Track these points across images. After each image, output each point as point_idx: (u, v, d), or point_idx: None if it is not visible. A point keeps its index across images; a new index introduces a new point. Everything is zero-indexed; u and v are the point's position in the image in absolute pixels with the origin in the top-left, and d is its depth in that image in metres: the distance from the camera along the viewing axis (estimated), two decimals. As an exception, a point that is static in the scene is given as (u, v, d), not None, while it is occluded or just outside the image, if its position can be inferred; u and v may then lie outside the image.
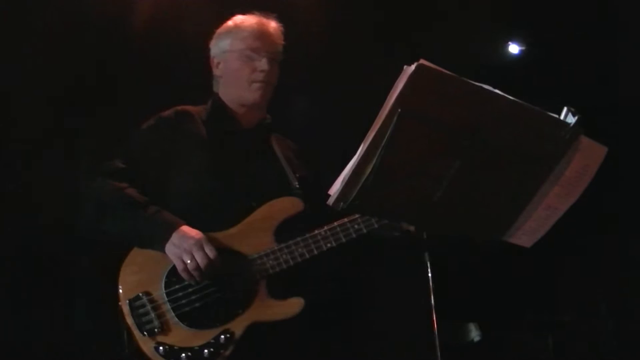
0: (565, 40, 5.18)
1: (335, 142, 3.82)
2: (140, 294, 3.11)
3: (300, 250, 3.22)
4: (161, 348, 3.04)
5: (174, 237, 3.11)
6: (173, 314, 3.09)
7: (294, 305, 3.18)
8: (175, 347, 3.05)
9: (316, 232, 3.24)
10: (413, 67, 2.30)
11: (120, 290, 3.13)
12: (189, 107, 3.52)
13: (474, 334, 4.83)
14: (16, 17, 4.48)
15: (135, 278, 3.15)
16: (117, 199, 3.20)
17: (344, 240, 3.24)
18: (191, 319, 3.10)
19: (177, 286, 3.12)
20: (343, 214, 3.16)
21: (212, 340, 3.07)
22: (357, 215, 3.22)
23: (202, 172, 3.33)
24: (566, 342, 5.15)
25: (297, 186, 3.42)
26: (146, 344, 3.05)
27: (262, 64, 3.47)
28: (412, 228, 3.21)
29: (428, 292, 2.67)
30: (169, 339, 3.06)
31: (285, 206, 3.32)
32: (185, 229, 3.13)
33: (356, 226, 3.24)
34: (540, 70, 5.10)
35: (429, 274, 2.65)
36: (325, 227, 3.24)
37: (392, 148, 2.37)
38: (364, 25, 5.17)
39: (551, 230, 2.73)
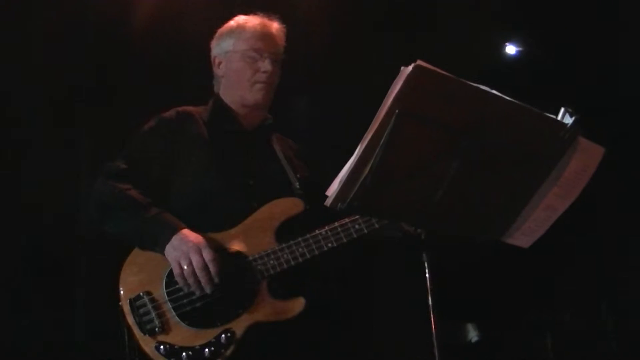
0: (563, 40, 5.17)
1: (336, 142, 3.81)
2: (141, 294, 3.12)
3: (301, 250, 3.22)
4: (162, 347, 3.04)
5: (174, 240, 3.11)
6: (174, 313, 3.10)
7: (295, 305, 3.18)
8: (176, 347, 3.05)
9: (317, 232, 3.24)
10: (410, 68, 2.31)
11: (121, 290, 3.14)
12: (190, 108, 3.53)
13: (472, 335, 4.83)
14: (16, 17, 4.47)
15: (136, 278, 3.16)
16: (119, 200, 3.21)
17: (344, 240, 3.24)
18: (192, 319, 3.10)
19: (178, 285, 3.13)
20: (344, 215, 3.17)
21: (213, 340, 3.08)
22: (357, 216, 3.22)
23: (203, 172, 3.34)
24: (565, 342, 5.14)
25: (298, 186, 3.43)
26: (147, 343, 3.06)
27: (265, 65, 3.48)
28: (410, 228, 3.21)
29: (426, 292, 2.66)
30: (169, 338, 3.07)
31: (287, 206, 3.33)
32: (186, 232, 3.14)
33: (357, 226, 3.24)
34: (538, 71, 5.09)
35: (427, 274, 2.64)
36: (326, 227, 3.24)
37: (390, 148, 2.38)
38: (364, 25, 5.17)
39: (551, 229, 2.74)
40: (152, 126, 3.45)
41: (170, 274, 3.13)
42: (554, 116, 2.51)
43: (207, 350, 3.05)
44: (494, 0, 5.19)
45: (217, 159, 3.38)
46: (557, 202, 2.64)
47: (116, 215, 3.22)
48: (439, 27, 5.17)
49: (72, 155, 4.57)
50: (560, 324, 5.19)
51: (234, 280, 3.15)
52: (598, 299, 5.20)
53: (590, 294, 5.27)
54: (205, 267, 3.06)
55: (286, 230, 3.28)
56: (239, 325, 3.11)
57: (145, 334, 3.07)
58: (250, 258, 3.20)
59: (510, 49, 4.79)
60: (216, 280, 3.09)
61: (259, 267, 3.19)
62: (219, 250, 3.15)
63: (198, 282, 3.07)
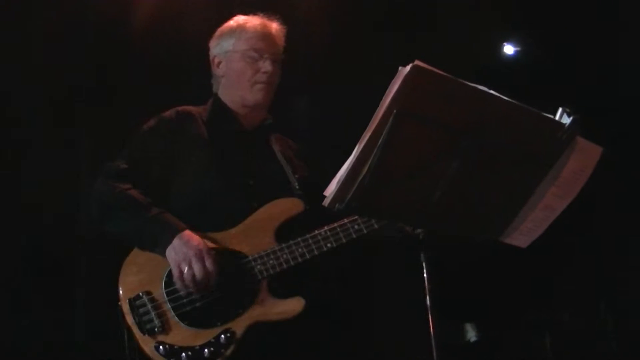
0: (562, 40, 5.17)
1: (336, 142, 3.81)
2: (141, 294, 3.12)
3: (300, 250, 3.22)
4: (161, 347, 3.04)
5: (176, 242, 3.11)
6: (173, 313, 3.10)
7: (294, 305, 3.18)
8: (176, 347, 3.05)
9: (316, 232, 3.24)
10: (408, 68, 2.31)
11: (120, 290, 3.14)
12: (190, 108, 3.53)
13: (471, 335, 4.83)
14: (16, 17, 4.47)
15: (136, 278, 3.16)
16: (119, 200, 3.22)
17: (344, 240, 3.24)
18: (192, 319, 3.10)
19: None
20: (343, 215, 3.18)
21: (213, 340, 3.07)
22: (357, 216, 3.22)
23: (203, 172, 3.34)
24: (564, 342, 5.14)
25: (297, 187, 3.43)
26: (146, 343, 3.05)
27: (266, 65, 3.48)
28: (408, 228, 3.21)
29: (424, 293, 2.66)
30: (169, 339, 3.06)
31: (286, 207, 3.33)
32: (188, 234, 3.14)
33: (356, 226, 3.24)
34: (537, 71, 5.10)
35: (425, 275, 2.65)
36: (326, 228, 3.24)
37: (388, 149, 2.38)
38: (364, 25, 5.17)
39: (550, 229, 2.74)
40: (152, 126, 3.45)
41: (170, 274, 3.13)
42: (552, 116, 2.51)
43: (206, 350, 3.05)
44: (493, 1, 5.19)
45: (217, 159, 3.38)
46: (555, 202, 2.64)
47: (116, 215, 3.22)
48: (438, 27, 5.17)
49: (72, 155, 4.57)
50: (559, 324, 5.19)
51: (233, 280, 3.16)
52: (597, 298, 5.20)
53: (590, 293, 5.27)
54: (206, 275, 3.07)
55: (286, 231, 3.28)
56: (239, 325, 3.11)
57: (144, 334, 3.06)
58: (250, 258, 3.20)
59: (509, 49, 4.80)
60: (214, 289, 3.10)
61: (258, 267, 3.19)
62: (219, 250, 3.15)
63: (197, 287, 3.08)
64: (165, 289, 3.13)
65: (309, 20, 4.94)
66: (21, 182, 4.47)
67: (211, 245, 3.15)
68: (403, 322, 4.63)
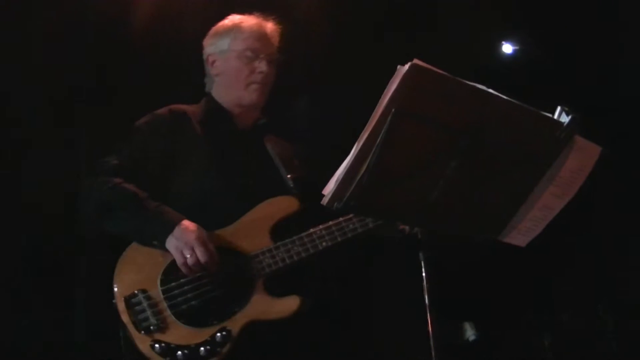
0: (562, 40, 5.17)
1: (336, 142, 3.81)
2: (137, 292, 3.12)
3: (296, 248, 3.23)
4: (157, 346, 3.03)
5: (176, 231, 3.11)
6: (169, 311, 3.10)
7: (290, 304, 3.18)
8: (172, 345, 3.05)
9: (312, 231, 3.25)
10: (407, 67, 2.31)
11: (116, 288, 3.14)
12: (183, 106, 3.53)
13: (470, 334, 4.83)
14: (16, 17, 4.47)
15: (131, 276, 3.16)
16: (115, 194, 3.21)
17: (339, 239, 3.25)
18: (188, 317, 3.11)
19: (173, 284, 3.13)
20: (339, 214, 3.18)
21: (209, 339, 3.07)
22: (352, 215, 3.23)
23: (197, 171, 3.34)
24: (564, 342, 5.13)
25: (292, 186, 3.43)
26: (142, 342, 3.05)
27: (262, 65, 3.49)
28: (406, 228, 3.22)
29: (422, 292, 2.66)
30: (165, 337, 3.06)
31: (282, 205, 3.34)
32: (187, 223, 3.14)
33: (351, 225, 3.25)
34: (536, 70, 5.09)
35: (423, 274, 2.65)
36: (321, 227, 3.25)
37: (387, 148, 2.38)
38: (364, 25, 5.17)
39: (550, 229, 2.74)
40: (144, 123, 3.45)
41: (166, 272, 3.14)
42: (550, 115, 2.51)
43: (202, 348, 3.05)
44: (493, 0, 5.19)
45: (213, 158, 3.39)
46: (553, 201, 2.64)
47: (114, 210, 3.21)
48: (438, 27, 5.16)
49: (72, 155, 4.56)
50: (559, 324, 5.19)
51: (230, 278, 3.16)
52: (597, 298, 5.19)
53: (589, 293, 5.26)
54: (210, 258, 3.07)
55: (281, 229, 3.28)
56: (235, 324, 3.11)
57: (140, 332, 3.06)
58: (246, 256, 3.21)
59: (507, 48, 4.79)
60: (211, 285, 3.11)
61: (254, 265, 3.20)
62: (215, 248, 3.15)
63: (202, 270, 3.08)
64: (161, 287, 3.13)
65: (309, 20, 4.94)
66: (21, 182, 4.47)
67: None
68: (402, 321, 4.63)
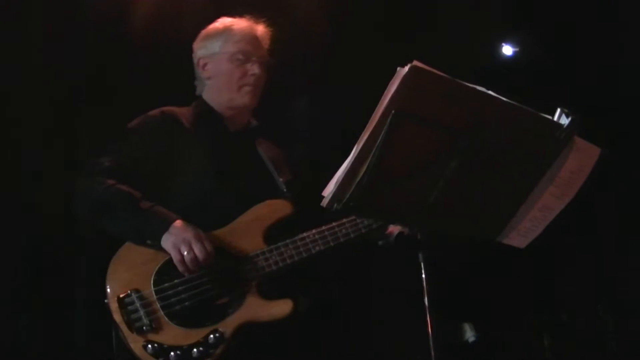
0: (562, 40, 5.17)
1: (336, 143, 3.81)
2: (130, 291, 3.11)
3: (289, 252, 3.24)
4: (150, 346, 3.03)
5: (173, 229, 3.12)
6: (162, 312, 3.09)
7: (283, 307, 3.18)
8: (165, 346, 3.04)
9: (305, 235, 3.26)
10: (406, 68, 2.32)
11: (109, 288, 3.13)
12: (174, 108, 3.54)
13: (469, 335, 4.83)
14: (16, 17, 4.47)
15: (124, 276, 3.15)
16: (110, 194, 3.21)
17: (332, 244, 3.26)
18: (181, 318, 3.10)
19: (166, 284, 3.13)
20: (332, 219, 3.21)
21: (202, 340, 3.07)
22: (344, 220, 3.26)
23: (189, 173, 3.35)
24: (564, 342, 5.14)
25: (285, 190, 3.44)
26: (135, 342, 3.04)
27: (254, 68, 3.51)
28: (405, 229, 3.23)
29: (422, 293, 2.66)
30: (158, 337, 3.05)
31: (275, 209, 3.35)
32: (182, 222, 3.15)
33: (344, 230, 3.27)
34: (536, 71, 5.09)
35: (423, 275, 2.65)
36: (314, 231, 3.26)
37: (387, 149, 2.39)
38: (364, 26, 5.17)
39: (549, 229, 2.74)
40: (137, 124, 3.46)
41: (160, 272, 3.14)
42: (550, 116, 2.51)
43: (195, 350, 3.05)
44: (493, 1, 5.19)
45: (204, 160, 3.39)
46: (553, 202, 2.65)
47: (109, 211, 3.21)
48: (438, 27, 5.16)
49: (72, 155, 4.56)
50: (559, 324, 5.19)
51: (223, 280, 3.16)
52: (597, 299, 5.19)
53: (589, 294, 5.26)
54: (207, 256, 3.08)
55: (274, 232, 3.29)
56: (228, 326, 3.11)
57: (133, 332, 3.05)
58: (240, 259, 3.21)
59: (507, 50, 4.80)
60: (215, 269, 3.11)
61: (248, 267, 3.20)
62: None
63: (199, 268, 3.08)
64: (154, 287, 3.13)
65: (309, 20, 4.94)
66: (21, 182, 4.47)
67: None
68: (401, 322, 4.64)
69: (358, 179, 2.41)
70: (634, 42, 5.05)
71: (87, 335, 4.48)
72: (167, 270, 3.15)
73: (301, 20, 4.85)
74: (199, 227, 3.18)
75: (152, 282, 3.13)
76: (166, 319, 3.09)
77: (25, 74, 4.48)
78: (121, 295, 3.10)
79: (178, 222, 3.13)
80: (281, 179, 3.50)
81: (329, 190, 2.45)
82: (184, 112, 3.54)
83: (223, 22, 3.63)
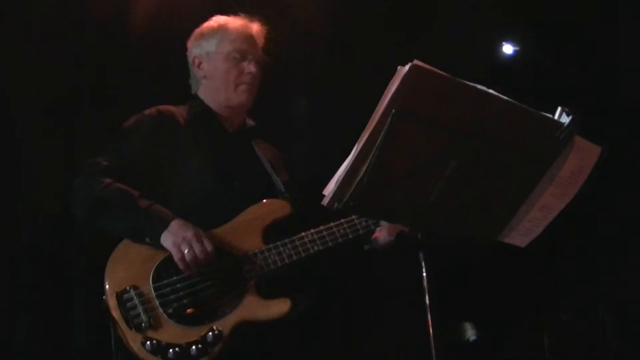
0: (560, 40, 5.17)
1: (335, 142, 3.81)
2: (128, 288, 3.10)
3: (288, 251, 3.24)
4: (148, 343, 3.03)
5: (172, 227, 3.12)
6: (161, 309, 3.09)
7: (281, 307, 3.19)
8: (163, 343, 3.04)
9: (303, 234, 3.26)
10: (407, 67, 2.31)
11: (107, 284, 3.12)
12: (171, 107, 3.54)
13: (470, 334, 4.83)
14: (16, 17, 4.47)
15: (123, 273, 3.15)
16: (108, 193, 3.21)
17: (330, 244, 3.27)
18: (179, 316, 3.10)
19: (165, 281, 3.12)
20: (330, 219, 3.21)
21: (200, 338, 3.07)
22: (343, 220, 3.27)
23: (186, 172, 3.35)
24: (564, 342, 5.14)
25: (283, 189, 3.44)
26: (133, 339, 3.04)
27: (250, 66, 3.51)
28: (405, 229, 3.23)
29: (423, 292, 2.65)
30: (156, 335, 3.05)
31: (274, 208, 3.35)
32: (181, 220, 3.15)
33: (342, 231, 3.28)
34: (535, 70, 5.09)
35: (424, 274, 2.64)
36: (312, 231, 3.27)
37: (387, 149, 2.38)
38: (364, 25, 5.17)
39: (550, 229, 2.74)
40: (133, 123, 3.46)
41: (158, 269, 3.13)
42: (550, 115, 2.51)
43: (194, 347, 3.05)
44: (493, 1, 5.19)
45: (201, 160, 3.38)
46: (553, 201, 2.64)
47: (108, 209, 3.21)
48: (438, 27, 5.16)
49: (72, 155, 4.56)
50: (559, 324, 5.19)
51: (221, 278, 3.16)
52: (598, 299, 5.19)
53: (590, 294, 5.26)
54: (207, 254, 3.08)
55: (273, 232, 3.29)
56: (226, 324, 3.11)
57: (131, 329, 3.05)
58: (238, 257, 3.21)
59: (507, 49, 4.79)
60: (215, 268, 3.11)
61: (246, 266, 3.20)
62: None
63: (199, 266, 3.08)
64: (153, 284, 3.13)
65: (309, 20, 4.94)
66: (21, 182, 4.46)
67: None
68: (402, 321, 4.64)
69: (358, 178, 2.41)
70: (634, 41, 5.05)
71: (87, 335, 4.48)
72: (165, 268, 3.15)
73: (301, 20, 4.85)
74: (197, 226, 3.18)
75: (150, 279, 3.13)
76: (165, 316, 3.09)
77: (25, 74, 4.48)
78: (119, 292, 3.09)
79: (177, 221, 3.13)
80: (279, 179, 3.49)
81: (330, 189, 2.45)
82: (180, 111, 3.54)
83: (218, 20, 3.63)
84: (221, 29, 3.57)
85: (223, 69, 3.52)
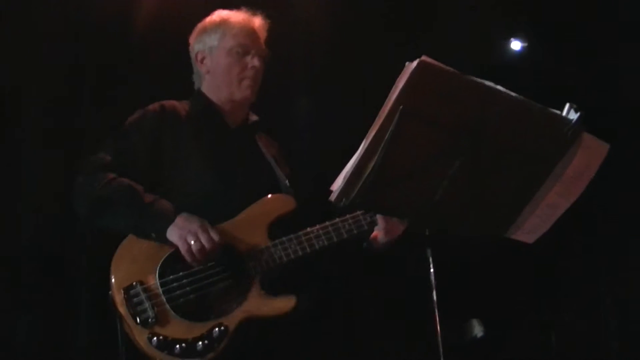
0: (560, 40, 5.18)
1: (335, 142, 3.81)
2: (134, 283, 3.09)
3: (293, 247, 3.22)
4: (155, 339, 3.01)
5: (178, 220, 3.10)
6: (167, 305, 3.08)
7: (286, 303, 3.18)
8: (170, 339, 3.02)
9: (308, 230, 3.25)
10: (415, 63, 2.31)
11: (113, 279, 3.10)
12: (174, 102, 3.52)
13: (477, 330, 4.82)
14: (16, 17, 4.46)
15: (129, 268, 3.12)
16: (112, 189, 3.18)
17: (335, 239, 3.26)
18: (185, 311, 3.08)
19: (171, 277, 3.11)
20: (335, 214, 3.21)
21: (206, 334, 3.05)
22: (348, 216, 3.26)
23: (190, 167, 3.33)
24: (568, 342, 5.15)
25: (288, 184, 3.44)
26: (140, 334, 3.02)
27: (254, 61, 3.49)
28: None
29: (430, 289, 2.65)
30: (163, 330, 3.03)
31: (279, 204, 3.34)
32: (187, 214, 3.13)
33: (347, 226, 3.27)
34: (543, 66, 5.10)
35: (431, 270, 2.64)
36: (318, 226, 3.26)
37: (394, 146, 2.38)
38: (364, 25, 5.17)
39: (555, 228, 2.73)
40: (136, 119, 3.43)
41: (164, 264, 3.12)
42: (558, 112, 2.51)
43: (200, 343, 3.03)
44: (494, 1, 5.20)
45: (205, 155, 3.37)
46: (560, 198, 2.64)
47: (111, 205, 3.18)
48: (439, 27, 5.17)
49: (72, 155, 4.55)
50: (562, 324, 5.20)
51: (227, 274, 3.15)
52: (600, 299, 5.20)
53: (592, 294, 5.27)
54: (214, 245, 3.06)
55: (277, 228, 3.28)
56: (232, 320, 3.09)
57: (138, 325, 3.03)
58: (244, 253, 3.19)
59: (516, 45, 4.80)
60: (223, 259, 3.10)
61: (252, 262, 3.19)
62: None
63: (207, 257, 3.07)
64: (159, 279, 3.12)
65: (309, 20, 4.95)
66: (21, 182, 4.46)
67: None
68: (405, 320, 4.65)
69: (365, 175, 2.41)
70: (634, 42, 5.07)
71: (87, 335, 4.47)
72: (171, 263, 3.13)
73: (301, 20, 4.86)
74: None
75: (157, 274, 3.11)
76: (172, 312, 3.07)
77: (25, 74, 4.47)
78: (126, 287, 3.08)
79: (182, 215, 3.12)
80: (284, 174, 3.49)
81: (337, 185, 2.44)
82: (183, 106, 3.52)
83: (220, 15, 3.60)
84: (223, 24, 3.55)
85: (226, 64, 3.50)
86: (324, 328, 3.66)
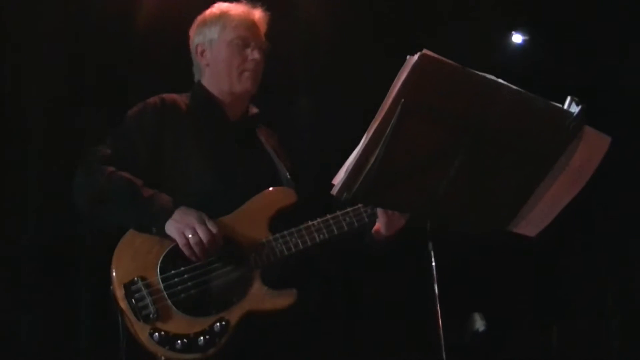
0: (560, 40, 5.19)
1: (335, 142, 3.81)
2: (136, 278, 3.07)
3: (294, 240, 3.22)
4: (156, 334, 3.00)
5: (176, 214, 3.09)
6: (169, 300, 3.07)
7: (287, 297, 3.17)
8: (171, 334, 3.01)
9: (310, 223, 3.25)
10: (416, 57, 2.31)
11: (114, 274, 3.09)
12: (174, 95, 3.51)
13: (479, 324, 4.82)
14: (16, 17, 4.47)
15: (130, 264, 3.11)
16: (111, 182, 3.17)
17: (336, 232, 3.25)
18: (186, 306, 3.07)
19: (172, 272, 3.10)
20: (336, 208, 3.21)
21: (208, 329, 3.05)
22: (349, 209, 3.26)
23: (190, 160, 3.32)
24: (569, 341, 5.14)
25: (289, 177, 3.43)
26: (142, 330, 3.01)
27: (254, 53, 3.48)
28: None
29: (431, 284, 2.64)
30: (164, 326, 3.02)
31: (279, 197, 3.33)
32: (185, 208, 3.12)
33: (348, 219, 3.27)
34: (544, 60, 5.10)
35: (433, 264, 2.63)
36: (319, 219, 3.25)
37: (396, 139, 2.38)
38: (365, 25, 5.18)
39: (557, 227, 2.73)
40: (136, 112, 3.41)
41: (165, 259, 3.11)
42: (560, 105, 2.51)
43: (202, 338, 3.02)
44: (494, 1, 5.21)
45: (205, 148, 3.36)
46: (562, 192, 2.64)
47: (111, 199, 3.17)
48: (440, 28, 5.17)
49: (72, 155, 4.55)
50: (565, 323, 5.20)
51: (228, 268, 3.14)
52: (601, 298, 5.20)
53: (594, 293, 5.27)
54: (213, 237, 3.05)
55: (278, 221, 3.27)
56: (233, 315, 3.09)
57: (140, 320, 3.02)
58: (244, 247, 3.18)
59: (517, 38, 4.81)
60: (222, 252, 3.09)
61: (253, 256, 3.18)
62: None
63: (205, 250, 3.06)
64: (160, 274, 3.11)
65: (309, 20, 4.95)
66: (21, 182, 4.45)
67: None
68: (405, 317, 4.65)
69: (367, 169, 2.40)
70: (634, 42, 5.07)
71: (87, 335, 4.47)
72: (172, 258, 3.11)
73: (301, 20, 4.86)
74: None
75: (158, 269, 3.11)
76: (173, 307, 3.06)
77: (25, 74, 4.48)
78: (127, 282, 3.07)
79: (180, 208, 3.11)
80: (285, 167, 3.48)
81: (339, 178, 2.44)
82: (183, 99, 3.51)
83: (219, 7, 3.60)
84: (223, 16, 3.54)
85: (226, 56, 3.49)
86: (324, 327, 3.64)
